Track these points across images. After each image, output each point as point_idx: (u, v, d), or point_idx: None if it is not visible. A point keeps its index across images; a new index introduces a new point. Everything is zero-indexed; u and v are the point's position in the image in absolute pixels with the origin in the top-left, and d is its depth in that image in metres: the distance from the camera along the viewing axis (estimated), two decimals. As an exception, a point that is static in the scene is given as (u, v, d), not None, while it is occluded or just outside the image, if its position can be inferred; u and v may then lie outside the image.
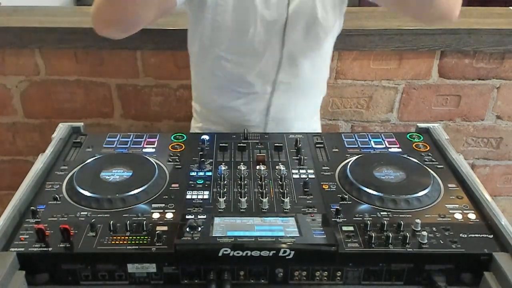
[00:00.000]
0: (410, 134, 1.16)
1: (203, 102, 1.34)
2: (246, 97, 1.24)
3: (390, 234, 0.82)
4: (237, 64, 1.19)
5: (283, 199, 0.90)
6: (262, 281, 0.83)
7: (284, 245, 0.79)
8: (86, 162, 1.03)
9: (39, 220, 0.86)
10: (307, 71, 1.22)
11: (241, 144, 1.09)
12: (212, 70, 1.22)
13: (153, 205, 0.91)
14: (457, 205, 0.92)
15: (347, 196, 0.93)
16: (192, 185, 0.96)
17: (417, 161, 1.04)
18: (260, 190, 0.94)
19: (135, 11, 0.97)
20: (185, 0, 1.08)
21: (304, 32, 1.15)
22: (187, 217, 0.85)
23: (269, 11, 1.12)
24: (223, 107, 1.27)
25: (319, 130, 1.44)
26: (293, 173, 1.00)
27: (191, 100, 1.43)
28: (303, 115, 1.33)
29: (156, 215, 0.88)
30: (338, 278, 0.83)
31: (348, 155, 1.07)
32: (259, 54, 1.17)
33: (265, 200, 0.90)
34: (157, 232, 0.82)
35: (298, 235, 0.81)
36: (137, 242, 0.82)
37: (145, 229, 0.84)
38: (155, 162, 1.02)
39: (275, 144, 1.09)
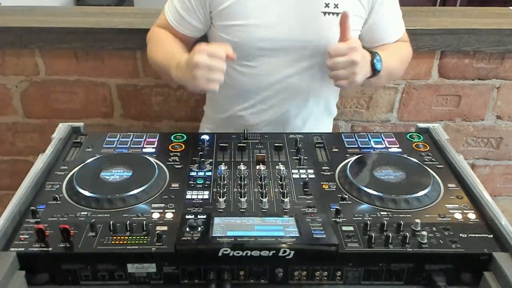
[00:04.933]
0: (410, 134, 1.16)
1: (214, 109, 1.37)
2: (254, 107, 1.27)
3: (390, 234, 0.82)
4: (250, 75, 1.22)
5: (283, 199, 0.90)
6: (262, 281, 0.83)
7: (284, 245, 0.79)
8: (86, 162, 1.03)
9: (39, 220, 0.86)
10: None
11: (241, 144, 1.09)
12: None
13: (153, 205, 0.91)
14: (457, 205, 0.92)
15: (347, 196, 0.93)
16: (192, 185, 0.96)
17: (417, 161, 1.04)
18: (260, 190, 0.94)
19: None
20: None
21: None
22: (187, 217, 0.86)
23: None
24: (232, 116, 1.30)
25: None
26: (293, 173, 1.00)
27: (191, 100, 1.43)
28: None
29: (156, 215, 0.88)
30: (338, 278, 0.83)
31: (348, 155, 1.07)
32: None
33: (265, 200, 0.90)
34: (157, 232, 0.82)
35: (298, 235, 0.81)
36: (137, 242, 0.82)
37: (145, 229, 0.84)
38: (155, 162, 1.02)
39: (275, 144, 1.09)
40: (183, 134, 1.15)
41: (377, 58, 1.13)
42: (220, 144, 1.09)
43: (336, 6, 1.13)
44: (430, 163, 1.05)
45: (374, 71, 1.13)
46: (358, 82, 1.09)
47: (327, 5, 1.13)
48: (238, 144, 1.09)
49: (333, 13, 1.13)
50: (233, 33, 1.16)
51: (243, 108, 1.28)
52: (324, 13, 1.13)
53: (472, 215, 0.89)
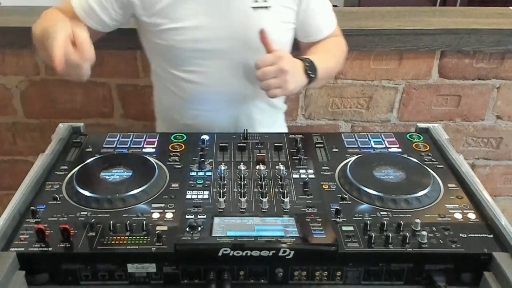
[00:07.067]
0: (410, 134, 1.16)
1: (165, 121, 1.35)
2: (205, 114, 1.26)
3: (390, 234, 0.82)
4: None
5: (283, 199, 0.90)
6: (262, 281, 0.83)
7: (284, 245, 0.79)
8: (86, 162, 1.03)
9: (39, 220, 0.86)
10: None
11: (241, 144, 1.09)
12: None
13: (153, 205, 0.91)
14: (457, 205, 0.92)
15: (347, 196, 0.93)
16: (192, 185, 0.96)
17: (417, 161, 1.04)
18: (260, 190, 0.94)
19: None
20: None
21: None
22: (187, 217, 0.86)
23: None
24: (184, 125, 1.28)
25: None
26: (293, 173, 1.00)
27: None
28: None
29: (156, 215, 0.88)
30: (338, 278, 0.83)
31: (348, 155, 1.07)
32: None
33: (265, 200, 0.90)
34: (157, 232, 0.82)
35: (298, 235, 0.81)
36: (137, 242, 0.82)
37: (145, 229, 0.84)
38: (155, 162, 1.02)
39: (275, 144, 1.09)
40: (183, 134, 1.15)
41: (308, 65, 1.11)
42: (220, 144, 1.09)
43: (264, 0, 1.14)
44: (430, 163, 1.05)
45: (311, 78, 1.12)
46: (292, 90, 1.08)
47: (256, 0, 1.13)
48: (238, 144, 1.09)
49: (262, 7, 1.14)
50: (169, 37, 1.14)
51: (193, 116, 1.26)
52: (254, 8, 1.13)
53: (472, 215, 0.89)
